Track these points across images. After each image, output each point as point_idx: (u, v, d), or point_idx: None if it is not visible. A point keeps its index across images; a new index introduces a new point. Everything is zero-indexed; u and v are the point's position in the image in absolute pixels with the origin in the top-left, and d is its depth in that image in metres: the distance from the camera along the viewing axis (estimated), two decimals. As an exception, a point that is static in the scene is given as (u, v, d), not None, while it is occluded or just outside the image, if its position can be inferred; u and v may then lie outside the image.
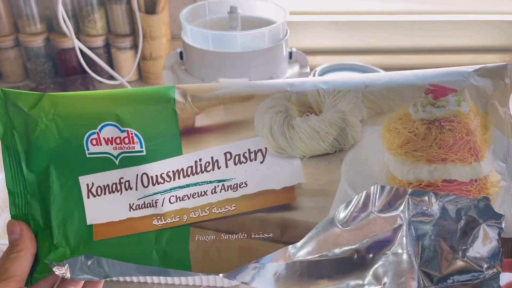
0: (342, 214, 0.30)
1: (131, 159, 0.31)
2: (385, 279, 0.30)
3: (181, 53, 0.66)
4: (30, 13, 0.79)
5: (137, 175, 0.31)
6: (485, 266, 0.30)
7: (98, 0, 0.79)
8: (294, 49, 0.67)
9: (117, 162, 0.31)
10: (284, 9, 0.65)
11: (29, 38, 0.80)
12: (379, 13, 0.89)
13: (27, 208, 0.32)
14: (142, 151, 0.31)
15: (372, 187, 0.30)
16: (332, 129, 0.31)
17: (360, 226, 0.30)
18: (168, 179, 0.31)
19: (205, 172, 0.31)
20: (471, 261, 0.30)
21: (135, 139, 0.31)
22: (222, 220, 0.31)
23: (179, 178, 0.31)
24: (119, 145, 0.31)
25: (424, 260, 0.30)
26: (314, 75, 0.74)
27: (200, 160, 0.31)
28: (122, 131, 0.31)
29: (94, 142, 0.31)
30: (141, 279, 0.52)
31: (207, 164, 0.31)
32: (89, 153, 0.31)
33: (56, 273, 0.30)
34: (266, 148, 0.31)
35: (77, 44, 0.71)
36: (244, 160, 0.31)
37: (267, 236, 0.31)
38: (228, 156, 0.31)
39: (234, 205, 0.31)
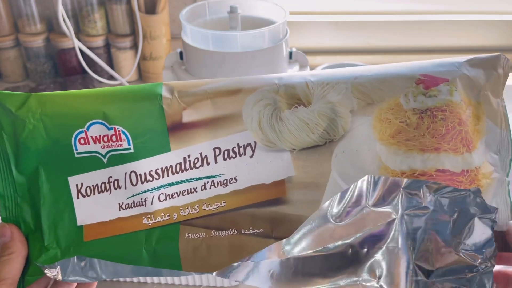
0: (335, 209, 0.30)
1: (119, 157, 0.31)
2: (380, 274, 0.30)
3: (181, 53, 0.66)
4: (30, 13, 0.79)
5: (126, 173, 0.31)
6: (479, 260, 0.29)
7: (98, 0, 0.79)
8: (294, 49, 0.67)
9: (105, 161, 0.31)
10: (284, 9, 0.65)
11: (29, 38, 0.80)
12: (379, 13, 0.89)
13: (18, 211, 0.31)
14: (129, 149, 0.31)
15: (365, 181, 0.29)
16: (322, 120, 0.30)
17: (354, 220, 0.30)
18: (157, 177, 0.31)
19: (194, 168, 0.31)
20: (465, 255, 0.29)
21: (123, 136, 0.30)
22: (212, 217, 0.31)
23: (168, 175, 0.31)
24: (106, 143, 0.31)
25: (418, 254, 0.30)
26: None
27: (189, 156, 0.31)
28: (109, 129, 0.30)
29: (82, 141, 0.31)
30: (141, 279, 0.51)
31: (196, 160, 0.31)
32: (77, 153, 0.31)
33: (48, 275, 0.30)
34: (255, 142, 0.31)
35: (77, 44, 0.71)
36: (233, 155, 0.31)
37: (257, 231, 0.31)
38: (217, 151, 0.31)
39: (224, 201, 0.31)
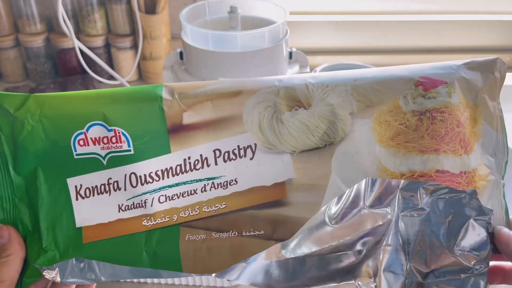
0: (333, 210, 0.30)
1: (119, 158, 0.31)
2: (376, 275, 0.30)
3: (181, 53, 0.66)
4: (30, 13, 0.79)
5: (126, 175, 0.31)
6: (473, 261, 0.30)
7: (98, 0, 0.79)
8: (294, 49, 0.67)
9: (105, 162, 0.31)
10: (284, 9, 0.65)
11: (29, 38, 0.80)
12: (379, 13, 0.89)
13: (16, 212, 0.31)
14: (129, 150, 0.30)
15: (363, 183, 0.29)
16: (322, 123, 0.30)
17: (351, 222, 0.30)
18: (157, 178, 0.31)
19: (194, 170, 0.31)
20: (460, 257, 0.30)
21: (123, 138, 0.30)
22: (213, 218, 0.31)
23: (168, 177, 0.31)
24: (106, 145, 0.30)
25: (414, 255, 0.30)
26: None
27: (189, 158, 0.31)
28: (109, 130, 0.30)
29: (81, 142, 0.30)
30: (141, 279, 0.51)
31: (196, 162, 0.31)
32: (76, 154, 0.31)
33: (46, 277, 0.30)
34: (255, 144, 0.31)
35: (77, 44, 0.71)
36: (234, 157, 0.31)
37: (258, 233, 0.31)
38: (217, 153, 0.31)
39: (224, 203, 0.31)
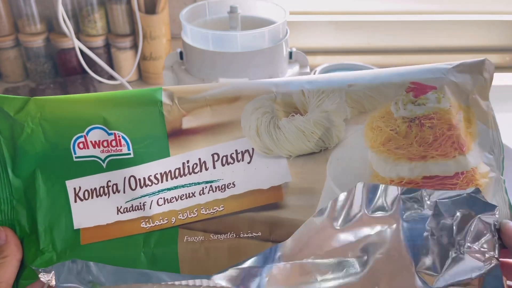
0: (333, 215, 0.30)
1: (118, 162, 0.31)
2: (380, 284, 0.29)
3: (181, 53, 0.66)
4: (30, 13, 0.79)
5: (125, 178, 0.31)
6: (483, 259, 0.29)
7: (98, 0, 0.79)
8: (294, 49, 0.67)
9: (104, 165, 0.31)
10: (284, 9, 0.65)
11: (29, 38, 0.80)
12: (379, 13, 0.89)
13: (13, 214, 0.31)
14: (129, 154, 0.31)
15: (364, 188, 0.30)
16: (317, 129, 0.31)
17: (352, 228, 0.30)
18: (156, 181, 0.31)
19: (192, 173, 0.31)
20: (469, 256, 0.30)
21: (123, 141, 0.31)
22: (211, 220, 0.31)
23: (166, 180, 0.31)
24: (106, 148, 0.31)
25: (421, 261, 0.30)
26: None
27: (188, 161, 0.31)
28: (109, 134, 0.31)
29: (81, 145, 0.31)
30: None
31: (194, 165, 0.31)
32: (76, 157, 0.31)
33: (42, 279, 0.30)
34: (253, 149, 0.31)
35: (77, 44, 0.71)
36: (232, 161, 0.31)
37: (256, 235, 0.31)
38: (216, 157, 0.31)
39: (222, 205, 0.31)
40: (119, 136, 0.31)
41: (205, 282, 0.49)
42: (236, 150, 0.31)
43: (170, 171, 0.31)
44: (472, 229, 0.30)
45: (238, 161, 0.31)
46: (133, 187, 0.31)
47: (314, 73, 0.75)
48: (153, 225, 0.31)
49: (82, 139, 0.31)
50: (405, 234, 0.30)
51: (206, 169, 0.31)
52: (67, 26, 0.69)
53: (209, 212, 0.31)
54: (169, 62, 0.68)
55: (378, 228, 0.30)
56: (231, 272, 0.29)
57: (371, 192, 0.30)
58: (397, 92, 0.32)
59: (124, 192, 0.31)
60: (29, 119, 0.30)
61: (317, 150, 0.31)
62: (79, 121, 0.31)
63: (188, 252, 0.31)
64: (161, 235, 0.31)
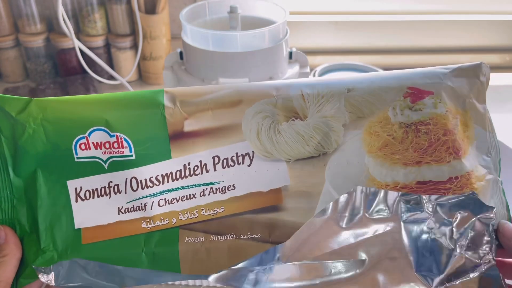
0: (334, 217, 0.30)
1: (120, 163, 0.31)
2: (380, 285, 0.30)
3: (181, 53, 0.66)
4: (30, 13, 0.79)
5: (126, 179, 0.31)
6: (481, 259, 0.30)
7: (98, 0, 0.79)
8: (294, 49, 0.67)
9: (106, 166, 0.31)
10: (284, 9, 0.65)
11: (29, 38, 0.80)
12: (379, 13, 0.89)
13: (13, 213, 0.32)
14: (131, 156, 0.31)
15: (364, 191, 0.30)
16: (316, 134, 0.32)
17: (352, 229, 0.30)
18: (157, 183, 0.31)
19: (193, 175, 0.32)
20: (468, 256, 0.30)
21: (125, 143, 0.31)
22: (211, 221, 0.32)
23: (168, 181, 0.31)
24: (108, 150, 0.31)
25: (421, 262, 0.30)
26: (314, 75, 0.74)
27: (189, 164, 0.31)
28: (111, 136, 0.31)
29: (83, 146, 0.31)
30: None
31: (195, 167, 0.31)
32: (77, 158, 0.31)
33: (42, 279, 0.30)
34: (253, 152, 0.32)
35: (77, 44, 0.71)
36: (232, 164, 0.32)
37: (256, 236, 0.31)
38: (216, 159, 0.32)
39: (222, 207, 0.32)
40: (121, 138, 0.31)
41: (205, 282, 0.50)
42: (236, 153, 0.31)
43: (171, 173, 0.31)
44: (470, 230, 0.30)
45: (239, 164, 0.31)
46: (135, 188, 0.31)
47: (314, 73, 0.75)
48: (154, 225, 0.31)
49: (84, 140, 0.31)
50: (404, 236, 0.30)
51: (207, 171, 0.31)
52: (67, 26, 0.69)
53: (209, 213, 0.32)
54: (169, 62, 0.68)
55: (378, 229, 0.30)
56: (229, 272, 0.29)
57: (371, 194, 0.30)
58: (395, 97, 0.32)
59: (125, 193, 0.31)
60: (31, 120, 0.31)
61: (316, 155, 0.32)
62: (81, 123, 0.31)
63: (189, 252, 0.31)
64: (162, 236, 0.31)
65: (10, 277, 0.30)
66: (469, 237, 0.30)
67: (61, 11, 0.67)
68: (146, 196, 0.31)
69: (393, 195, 0.30)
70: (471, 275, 0.30)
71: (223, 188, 0.32)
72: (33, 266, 0.30)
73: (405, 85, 0.32)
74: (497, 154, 0.33)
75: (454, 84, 0.33)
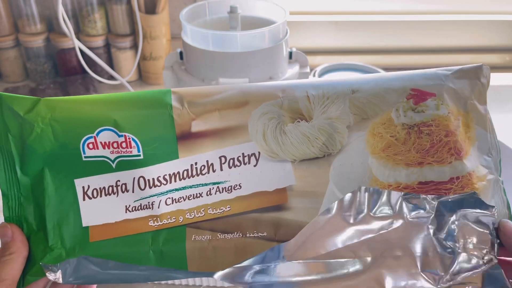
0: (338, 216, 0.31)
1: (128, 163, 0.31)
2: (387, 284, 0.30)
3: (181, 53, 0.66)
4: (30, 13, 0.79)
5: (134, 178, 0.31)
6: (484, 258, 0.31)
7: (98, 0, 0.79)
8: (294, 49, 0.67)
9: (113, 165, 0.31)
10: (284, 9, 0.65)
11: (29, 38, 0.80)
12: (379, 13, 0.90)
13: (21, 210, 0.32)
14: (139, 155, 0.31)
15: (368, 191, 0.31)
16: (321, 135, 0.32)
17: (357, 228, 0.31)
18: (165, 182, 0.32)
19: (200, 175, 0.32)
20: (470, 255, 0.31)
21: (133, 143, 0.31)
22: (218, 220, 0.32)
23: (175, 181, 0.32)
24: (116, 149, 0.31)
25: (425, 261, 0.31)
26: (314, 75, 0.74)
27: (196, 163, 0.32)
28: (119, 136, 0.31)
29: (90, 146, 0.31)
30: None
31: (202, 167, 0.32)
32: (85, 157, 0.31)
33: (49, 277, 0.30)
34: (259, 152, 0.32)
35: (77, 44, 0.71)
36: (238, 164, 0.32)
37: (261, 235, 0.32)
38: (223, 159, 0.32)
39: (229, 206, 0.32)
40: (129, 138, 0.31)
41: (205, 281, 0.50)
42: (243, 153, 0.32)
43: (178, 172, 0.32)
44: (472, 229, 0.31)
45: (245, 164, 0.32)
46: (142, 187, 0.32)
47: (314, 73, 0.75)
48: (161, 223, 0.32)
49: (92, 140, 0.31)
50: (408, 235, 0.31)
51: (214, 171, 0.32)
52: (67, 26, 0.69)
53: (216, 212, 0.32)
54: (169, 62, 0.68)
55: (381, 228, 0.31)
56: (235, 270, 0.29)
57: (375, 193, 0.31)
58: (398, 99, 0.33)
59: (133, 192, 0.32)
60: (39, 119, 0.31)
61: (320, 155, 0.32)
62: (89, 122, 0.31)
63: (196, 250, 0.32)
64: (169, 234, 0.32)
65: (17, 275, 0.30)
66: (471, 236, 0.31)
67: (61, 11, 0.67)
68: (154, 195, 0.32)
69: (396, 194, 0.31)
70: (474, 274, 0.30)
71: (230, 188, 0.32)
72: (41, 264, 0.31)
73: (408, 87, 0.33)
74: (497, 154, 0.34)
75: (456, 85, 0.33)
